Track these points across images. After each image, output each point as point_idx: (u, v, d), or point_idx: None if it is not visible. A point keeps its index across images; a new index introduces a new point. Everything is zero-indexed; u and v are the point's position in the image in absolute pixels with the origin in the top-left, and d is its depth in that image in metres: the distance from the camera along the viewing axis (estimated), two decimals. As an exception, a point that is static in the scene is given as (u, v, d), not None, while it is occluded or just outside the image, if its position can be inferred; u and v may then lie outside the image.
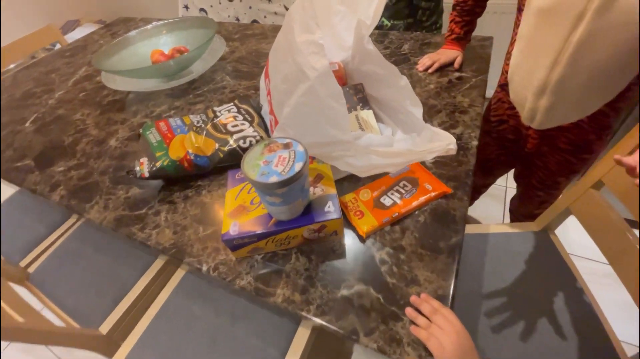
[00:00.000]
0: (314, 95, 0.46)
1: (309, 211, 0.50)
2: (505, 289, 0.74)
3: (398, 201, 0.55)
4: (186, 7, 1.67)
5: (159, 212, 0.62)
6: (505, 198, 1.41)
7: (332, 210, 0.50)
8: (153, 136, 0.65)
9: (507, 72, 0.75)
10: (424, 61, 0.86)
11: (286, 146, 0.46)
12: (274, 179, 0.42)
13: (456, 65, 0.84)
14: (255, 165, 0.44)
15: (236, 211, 0.54)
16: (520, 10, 0.70)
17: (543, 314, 0.69)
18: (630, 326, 0.98)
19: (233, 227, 0.51)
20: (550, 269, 0.77)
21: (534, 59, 0.66)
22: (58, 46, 1.74)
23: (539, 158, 0.82)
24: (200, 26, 1.04)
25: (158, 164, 0.61)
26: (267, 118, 0.68)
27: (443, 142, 0.47)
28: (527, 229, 0.87)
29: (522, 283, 0.75)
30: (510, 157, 0.92)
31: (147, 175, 0.61)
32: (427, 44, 0.96)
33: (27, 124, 0.94)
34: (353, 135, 0.53)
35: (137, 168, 0.62)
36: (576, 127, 0.70)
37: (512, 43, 0.74)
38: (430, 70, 0.84)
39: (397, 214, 0.53)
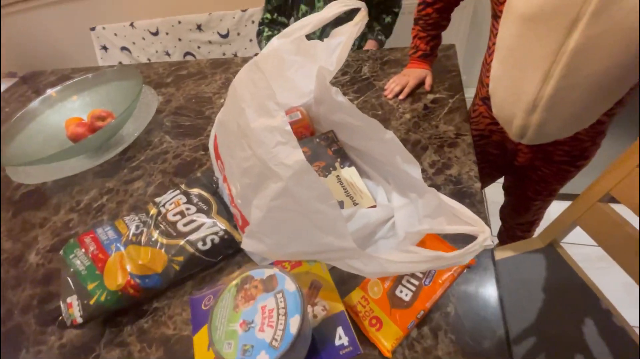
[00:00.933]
0: (291, 199, 0.33)
1: (314, 350, 0.37)
2: (532, 329, 0.66)
3: (417, 290, 0.43)
4: (104, 47, 1.45)
5: (108, 364, 0.46)
6: (485, 204, 1.35)
7: (345, 343, 0.37)
8: (79, 261, 0.49)
9: (487, 85, 0.66)
10: (391, 87, 0.74)
11: (268, 284, 0.32)
12: (263, 358, 0.28)
13: (427, 87, 0.73)
14: (230, 334, 0.30)
15: None
16: (495, 17, 0.60)
17: (579, 351, 0.61)
18: (634, 309, 0.96)
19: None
20: (570, 292, 0.71)
21: (520, 72, 0.57)
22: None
23: (532, 171, 0.74)
24: (120, 78, 0.86)
25: (93, 301, 0.45)
26: (227, 198, 0.54)
27: (469, 227, 0.35)
28: (532, 247, 0.80)
29: (547, 317, 0.67)
30: (494, 169, 0.85)
31: (80, 320, 0.45)
32: (387, 62, 0.85)
33: None
34: (355, 231, 0.40)
35: (65, 313, 0.45)
36: (573, 138, 0.62)
37: (490, 53, 0.64)
38: (401, 97, 0.73)
39: (422, 313, 0.41)
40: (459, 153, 0.59)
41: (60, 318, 0.46)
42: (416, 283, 0.44)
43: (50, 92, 0.81)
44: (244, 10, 1.33)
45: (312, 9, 1.04)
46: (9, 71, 2.21)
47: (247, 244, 0.40)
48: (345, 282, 0.46)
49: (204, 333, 0.41)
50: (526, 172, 0.75)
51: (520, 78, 0.57)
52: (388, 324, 0.41)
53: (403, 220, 0.41)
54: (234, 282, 0.34)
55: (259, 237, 0.38)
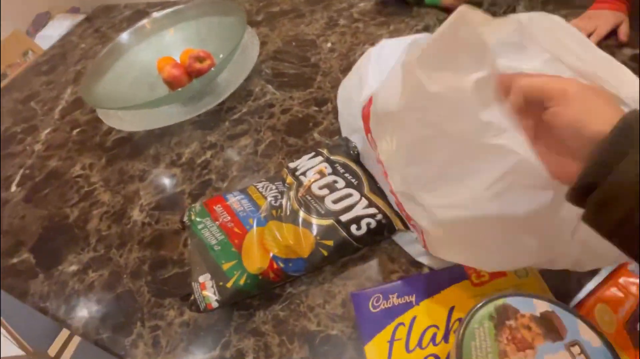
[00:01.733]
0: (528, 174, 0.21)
1: None
2: None
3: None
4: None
5: (243, 355, 0.39)
6: None
7: None
8: (210, 233, 0.40)
9: None
10: None
11: (547, 325, 0.21)
12: None
13: (622, 36, 0.55)
14: None
15: None
16: None
17: None
18: None
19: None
20: None
21: None
22: (30, 53, 1.42)
23: None
24: (218, 12, 0.74)
25: (230, 285, 0.38)
26: (377, 174, 0.43)
27: None
28: None
29: None
30: None
31: (215, 305, 0.38)
32: (560, 1, 0.66)
33: (14, 188, 0.69)
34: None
35: (197, 295, 0.38)
36: None
37: None
38: None
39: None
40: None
41: (192, 298, 0.39)
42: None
43: (144, 21, 0.71)
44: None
45: None
46: (72, 7, 2.15)
47: (444, 253, 0.29)
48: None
49: (379, 342, 0.32)
50: None
51: None
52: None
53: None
54: (486, 312, 0.23)
55: (462, 243, 0.27)
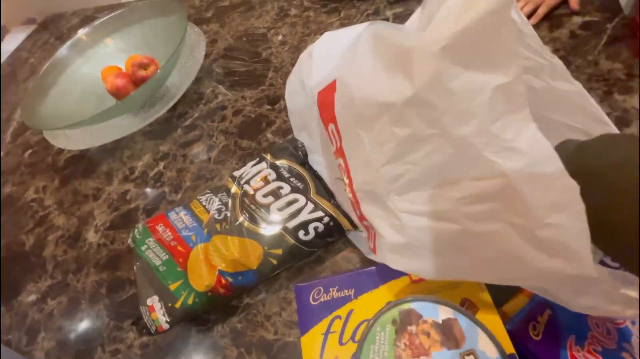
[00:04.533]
0: (507, 204, 0.20)
1: None
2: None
3: None
4: (126, -20, 1.25)
5: (203, 374, 0.39)
6: None
7: None
8: (154, 253, 0.39)
9: None
10: (520, 5, 0.55)
11: (447, 332, 0.21)
12: None
13: (572, 5, 0.53)
14: None
15: None
16: None
17: None
18: None
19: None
20: None
21: None
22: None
23: None
24: (159, 14, 0.70)
25: (179, 305, 0.37)
26: (327, 174, 0.42)
27: None
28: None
29: None
30: None
31: (166, 326, 0.37)
32: None
33: (-33, 219, 0.67)
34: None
35: (147, 318, 0.37)
36: None
37: None
38: (533, 20, 0.54)
39: None
40: (637, 103, 0.43)
41: (141, 321, 0.38)
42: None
43: (80, 34, 0.68)
44: None
45: None
46: (27, 17, 2.05)
47: (391, 260, 0.28)
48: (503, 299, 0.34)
49: (314, 334, 0.32)
50: None
51: None
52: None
53: None
54: (390, 316, 0.23)
55: (420, 255, 0.26)
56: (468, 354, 0.20)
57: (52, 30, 1.09)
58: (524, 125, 0.19)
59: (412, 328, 0.21)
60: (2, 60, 1.12)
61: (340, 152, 0.32)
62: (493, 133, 0.20)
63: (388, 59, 0.26)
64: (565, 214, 0.20)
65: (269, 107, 0.60)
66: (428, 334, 0.21)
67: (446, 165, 0.23)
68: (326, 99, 0.33)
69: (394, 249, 0.27)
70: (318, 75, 0.38)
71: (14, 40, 1.87)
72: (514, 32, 0.20)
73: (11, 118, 0.84)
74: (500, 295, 0.33)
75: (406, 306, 0.22)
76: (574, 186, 0.19)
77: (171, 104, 0.63)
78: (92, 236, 0.55)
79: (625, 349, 0.30)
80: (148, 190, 0.57)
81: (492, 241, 0.22)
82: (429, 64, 0.22)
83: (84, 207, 0.59)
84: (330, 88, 0.32)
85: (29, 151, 0.73)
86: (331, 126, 0.33)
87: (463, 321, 0.21)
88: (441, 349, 0.20)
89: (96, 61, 0.69)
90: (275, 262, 0.38)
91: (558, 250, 0.21)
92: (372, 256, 0.38)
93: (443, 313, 0.21)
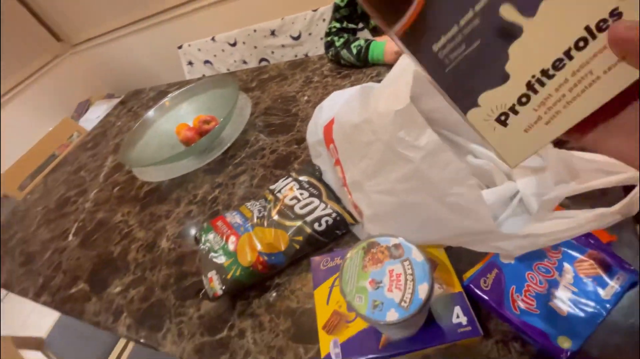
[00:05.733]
0: (421, 181, 0.35)
1: (431, 322, 0.38)
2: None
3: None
4: (190, 63, 1.61)
5: (244, 332, 0.52)
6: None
7: (464, 322, 0.38)
8: (214, 241, 0.56)
9: None
10: None
11: (395, 251, 0.34)
12: (392, 316, 0.30)
13: None
14: (360, 289, 0.33)
15: (332, 321, 0.43)
16: None
17: None
18: None
19: (333, 348, 0.41)
20: None
21: None
22: (75, 134, 1.73)
23: None
24: (218, 86, 0.96)
25: (230, 276, 0.52)
26: (335, 185, 0.58)
27: (620, 176, 0.32)
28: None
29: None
30: None
31: (220, 292, 0.51)
32: None
33: (71, 237, 0.88)
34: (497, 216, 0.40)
35: (207, 287, 0.52)
36: None
37: None
38: None
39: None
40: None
41: (203, 291, 0.53)
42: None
43: (164, 100, 0.94)
44: (314, 10, 1.39)
45: None
46: (107, 93, 2.55)
47: (370, 228, 0.43)
48: (461, 261, 0.47)
49: (323, 288, 0.45)
50: None
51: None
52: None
53: (532, 189, 0.40)
54: (362, 245, 0.36)
55: (384, 221, 0.40)
56: (405, 260, 0.33)
57: (134, 102, 1.41)
58: (422, 131, 0.34)
59: (373, 250, 0.35)
60: (93, 125, 1.45)
61: (337, 162, 0.49)
62: (399, 136, 0.35)
63: (362, 101, 0.43)
64: (463, 187, 0.34)
65: (296, 146, 0.79)
66: (383, 252, 0.34)
67: (384, 157, 0.38)
68: (328, 129, 0.51)
69: (369, 219, 0.42)
70: (325, 117, 0.56)
71: (97, 111, 2.32)
72: (408, 79, 0.36)
73: (103, 165, 1.10)
74: (463, 266, 0.45)
75: (372, 240, 0.36)
76: (464, 168, 0.33)
77: (224, 149, 0.84)
78: (164, 243, 0.72)
79: (552, 294, 0.40)
80: (207, 209, 0.75)
81: (420, 208, 0.37)
82: (366, 101, 0.39)
83: (158, 224, 0.78)
84: (331, 122, 0.50)
85: (117, 187, 0.96)
86: (331, 145, 0.50)
87: (404, 244, 0.34)
88: (389, 259, 0.34)
89: (173, 120, 0.94)
90: (297, 247, 0.53)
91: (465, 212, 0.35)
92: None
93: (393, 241, 0.35)
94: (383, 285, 0.32)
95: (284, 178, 0.61)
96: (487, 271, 0.43)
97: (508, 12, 0.17)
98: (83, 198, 0.99)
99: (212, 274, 0.53)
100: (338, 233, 0.55)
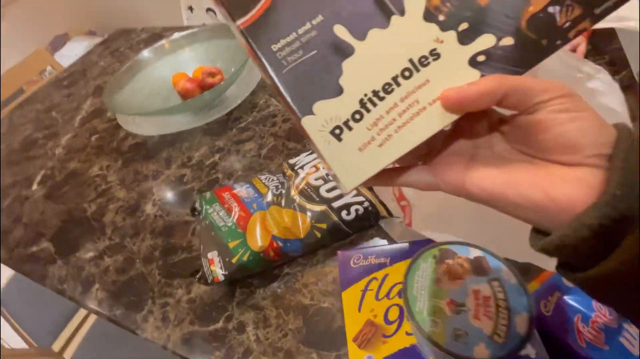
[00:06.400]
0: None
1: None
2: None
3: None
4: (190, 8, 1.44)
5: (244, 326, 0.44)
6: None
7: (532, 354, 0.31)
8: (218, 216, 0.46)
9: None
10: None
11: (477, 266, 0.27)
12: (482, 352, 0.24)
13: (580, 55, 0.63)
14: (436, 311, 0.26)
15: (365, 333, 0.36)
16: None
17: None
18: None
19: (368, 366, 0.34)
20: None
21: None
22: (49, 70, 1.52)
23: None
24: (228, 36, 0.83)
25: (235, 260, 0.43)
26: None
27: None
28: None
29: None
30: None
31: (221, 278, 0.43)
32: None
33: (35, 186, 0.75)
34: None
35: (207, 269, 0.44)
36: None
37: None
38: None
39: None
40: None
41: (200, 273, 0.44)
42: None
43: (163, 41, 0.80)
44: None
45: None
46: (89, 30, 2.29)
47: (423, 228, 0.35)
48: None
49: (354, 291, 0.38)
50: None
51: None
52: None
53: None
54: (431, 252, 0.29)
55: (451, 224, 0.33)
56: (494, 280, 0.26)
57: (121, 42, 1.24)
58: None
59: (449, 261, 0.27)
60: (70, 62, 1.27)
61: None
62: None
63: None
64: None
65: (314, 119, 0.70)
66: (462, 266, 0.27)
67: None
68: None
69: (427, 218, 0.34)
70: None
71: (75, 47, 2.08)
72: None
73: (80, 107, 0.95)
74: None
75: (444, 247, 0.29)
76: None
77: (229, 109, 0.73)
78: (149, 209, 0.62)
79: (625, 329, 0.35)
80: (203, 175, 0.65)
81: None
82: None
83: (143, 185, 0.67)
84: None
85: (96, 136, 0.83)
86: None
87: (490, 258, 0.27)
88: (472, 275, 0.26)
89: (170, 66, 0.81)
90: (319, 235, 0.45)
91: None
92: (401, 241, 0.45)
93: (473, 253, 0.28)
94: (467, 309, 0.25)
95: (308, 152, 0.52)
96: (548, 293, 0.37)
97: (341, 32, 0.18)
98: (53, 142, 0.86)
99: (213, 255, 0.44)
100: (365, 225, 0.47)
